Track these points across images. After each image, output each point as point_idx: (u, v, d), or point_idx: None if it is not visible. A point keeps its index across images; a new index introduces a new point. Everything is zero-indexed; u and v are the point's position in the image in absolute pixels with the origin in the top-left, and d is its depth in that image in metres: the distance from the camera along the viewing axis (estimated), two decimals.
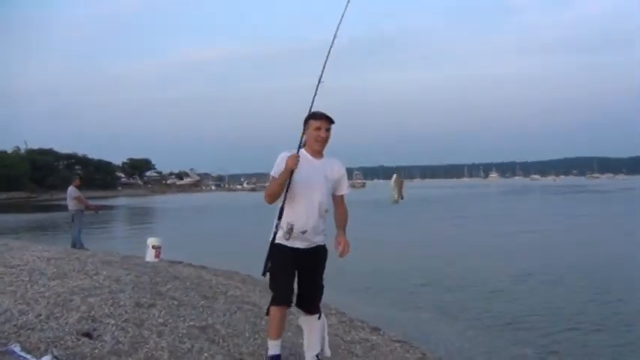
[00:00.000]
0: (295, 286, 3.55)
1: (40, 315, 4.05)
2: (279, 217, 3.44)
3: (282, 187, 3.41)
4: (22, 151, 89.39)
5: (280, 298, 3.39)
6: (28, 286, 5.04)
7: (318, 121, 3.50)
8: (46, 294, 4.74)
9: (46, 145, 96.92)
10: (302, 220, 3.46)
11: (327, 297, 3.94)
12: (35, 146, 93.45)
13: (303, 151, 3.56)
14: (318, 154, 3.57)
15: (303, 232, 3.44)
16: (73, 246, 12.54)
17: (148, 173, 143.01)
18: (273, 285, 3.47)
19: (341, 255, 3.49)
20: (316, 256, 3.57)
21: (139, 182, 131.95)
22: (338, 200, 3.66)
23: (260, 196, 3.70)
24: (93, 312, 4.29)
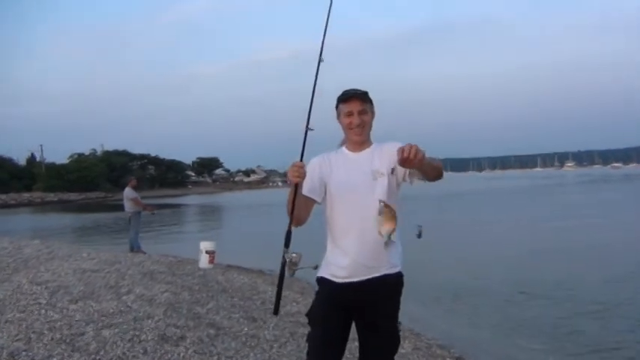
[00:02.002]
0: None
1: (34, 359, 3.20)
2: (285, 244, 2.36)
3: (297, 208, 2.33)
4: (99, 153, 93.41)
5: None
6: (42, 312, 4.27)
7: (347, 103, 2.42)
8: (58, 324, 3.93)
9: (120, 147, 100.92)
10: (344, 244, 2.39)
11: None
12: (110, 148, 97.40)
13: (343, 149, 2.51)
14: (359, 145, 2.47)
15: (347, 262, 2.37)
16: (131, 249, 12.11)
17: (217, 171, 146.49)
18: (307, 338, 2.43)
19: (404, 159, 2.07)
20: (376, 291, 2.43)
21: (208, 180, 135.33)
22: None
23: None
24: (102, 352, 3.40)
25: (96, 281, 5.63)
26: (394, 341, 2.43)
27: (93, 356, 3.33)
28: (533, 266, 10.43)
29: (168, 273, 7.17)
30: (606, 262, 10.36)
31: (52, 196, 66.40)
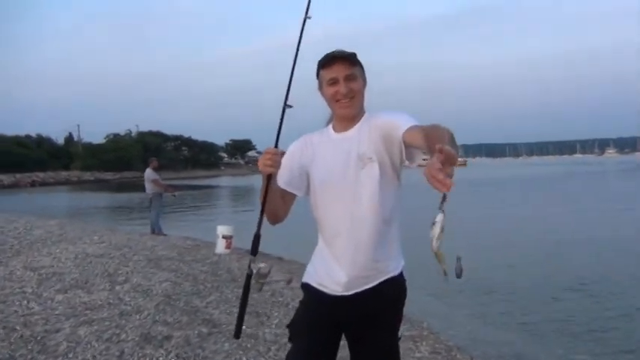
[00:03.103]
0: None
1: None
2: (252, 251, 1.90)
3: (271, 203, 1.90)
4: (134, 134, 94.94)
5: None
6: (24, 302, 3.95)
7: (330, 68, 1.88)
8: (35, 318, 3.60)
9: (155, 129, 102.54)
10: (334, 249, 1.92)
11: (412, 306, 2.32)
12: (145, 129, 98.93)
13: (329, 128, 2.01)
14: (348, 121, 1.94)
15: (336, 269, 1.91)
16: (152, 231, 11.94)
17: (250, 153, 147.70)
18: (287, 355, 1.97)
19: (436, 180, 1.25)
20: (374, 302, 1.95)
21: (241, 162, 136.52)
22: (410, 135, 1.72)
23: None
24: (71, 355, 3.03)
25: (95, 268, 5.32)
26: (392, 359, 1.97)
27: (63, 356, 2.96)
28: (571, 260, 9.72)
29: (177, 259, 6.85)
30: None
31: (88, 175, 67.98)
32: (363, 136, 1.88)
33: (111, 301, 4.16)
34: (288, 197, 1.95)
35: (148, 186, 12.41)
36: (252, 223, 2.00)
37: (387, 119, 1.85)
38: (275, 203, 1.90)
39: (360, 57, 1.95)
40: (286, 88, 1.93)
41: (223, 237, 9.49)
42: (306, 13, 1.97)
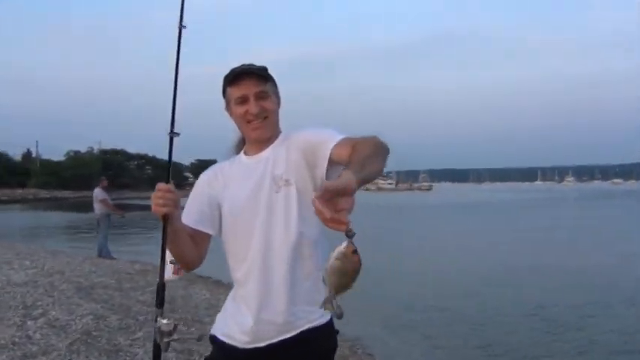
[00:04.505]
0: None
1: None
2: (157, 303, 1.56)
3: (177, 245, 1.56)
4: (95, 151, 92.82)
5: None
6: None
7: (237, 85, 1.61)
8: None
9: (118, 146, 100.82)
10: (244, 291, 1.62)
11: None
12: (108, 147, 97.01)
13: (241, 154, 1.73)
14: (260, 144, 1.66)
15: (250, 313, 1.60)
16: (99, 254, 11.30)
17: None
18: None
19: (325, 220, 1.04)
20: (294, 357, 1.60)
21: None
22: (339, 152, 1.44)
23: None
24: None
25: (11, 299, 4.79)
26: None
27: None
28: (522, 288, 9.56)
29: (114, 287, 6.35)
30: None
31: (45, 193, 65.84)
32: (278, 156, 1.60)
33: (17, 339, 3.67)
34: (200, 238, 1.64)
35: (97, 206, 11.82)
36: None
37: (309, 136, 1.57)
38: (183, 247, 1.58)
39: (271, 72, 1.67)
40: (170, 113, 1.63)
41: (171, 262, 8.94)
42: (180, 21, 1.66)
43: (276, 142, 1.65)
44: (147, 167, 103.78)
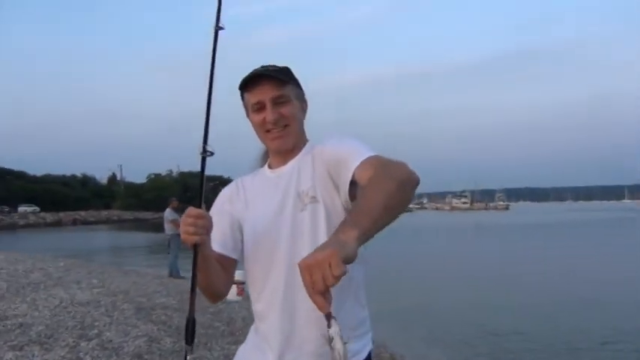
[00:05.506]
0: None
1: None
2: (187, 339, 1.31)
3: (208, 274, 1.33)
4: (174, 174, 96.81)
5: None
6: None
7: (253, 91, 1.39)
8: None
9: (195, 169, 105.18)
10: (264, 326, 1.39)
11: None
12: (186, 169, 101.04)
13: (265, 167, 1.51)
14: (284, 155, 1.44)
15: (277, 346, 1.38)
16: (170, 274, 11.53)
17: None
18: None
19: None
20: None
21: None
22: (361, 175, 1.21)
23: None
24: None
25: (70, 319, 4.80)
26: None
27: None
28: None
29: (174, 308, 6.27)
30: None
31: (128, 214, 69.15)
32: (303, 169, 1.39)
33: None
34: (227, 263, 1.43)
35: (167, 226, 12.10)
36: None
37: (335, 150, 1.34)
38: (213, 276, 1.35)
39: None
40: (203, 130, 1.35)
41: (234, 282, 8.84)
42: (217, 22, 1.40)
43: (301, 153, 1.43)
44: (221, 188, 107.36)
